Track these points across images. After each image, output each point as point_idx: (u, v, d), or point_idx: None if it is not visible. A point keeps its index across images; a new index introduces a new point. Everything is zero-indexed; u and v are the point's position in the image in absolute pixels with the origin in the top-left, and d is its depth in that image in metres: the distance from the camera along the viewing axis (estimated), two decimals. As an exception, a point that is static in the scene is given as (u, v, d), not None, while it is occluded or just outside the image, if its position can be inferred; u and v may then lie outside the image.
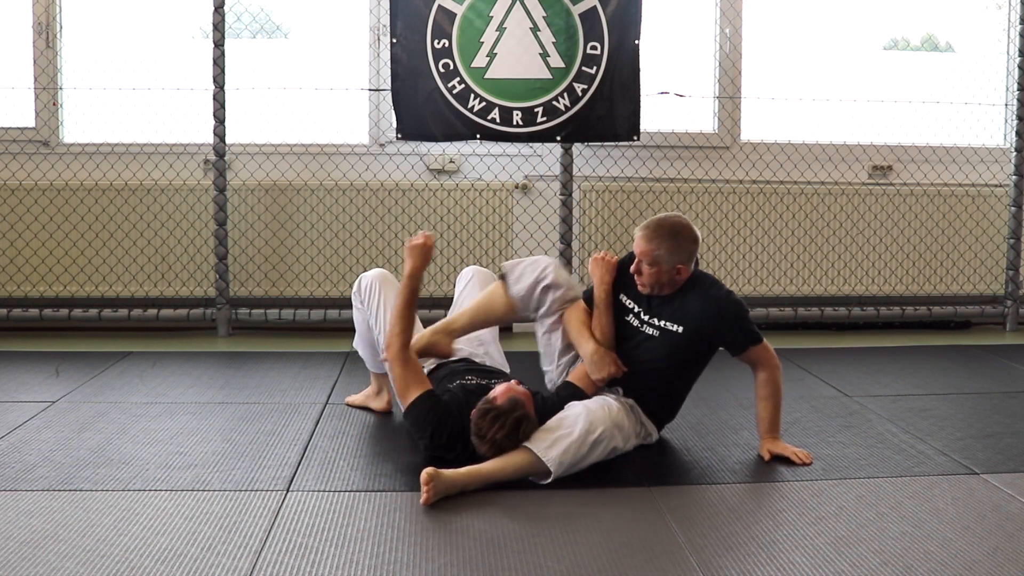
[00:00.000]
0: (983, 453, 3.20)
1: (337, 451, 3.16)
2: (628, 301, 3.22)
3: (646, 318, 3.16)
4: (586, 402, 3.01)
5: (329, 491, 2.81)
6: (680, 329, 3.08)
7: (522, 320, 3.39)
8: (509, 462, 2.83)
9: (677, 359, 3.12)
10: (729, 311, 3.09)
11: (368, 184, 5.28)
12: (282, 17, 5.54)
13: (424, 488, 2.69)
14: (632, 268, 3.13)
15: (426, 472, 2.71)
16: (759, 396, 3.15)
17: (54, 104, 5.25)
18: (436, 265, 5.31)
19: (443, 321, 3.38)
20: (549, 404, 3.05)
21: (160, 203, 5.21)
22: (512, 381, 3.03)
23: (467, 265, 5.22)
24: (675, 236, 3.07)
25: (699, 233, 3.16)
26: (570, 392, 3.12)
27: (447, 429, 2.95)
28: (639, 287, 3.15)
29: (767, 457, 3.08)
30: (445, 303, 5.13)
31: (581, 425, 2.88)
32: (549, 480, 2.82)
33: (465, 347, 3.41)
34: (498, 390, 2.94)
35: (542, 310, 3.27)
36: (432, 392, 3.02)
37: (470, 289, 3.55)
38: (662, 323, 3.11)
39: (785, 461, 3.06)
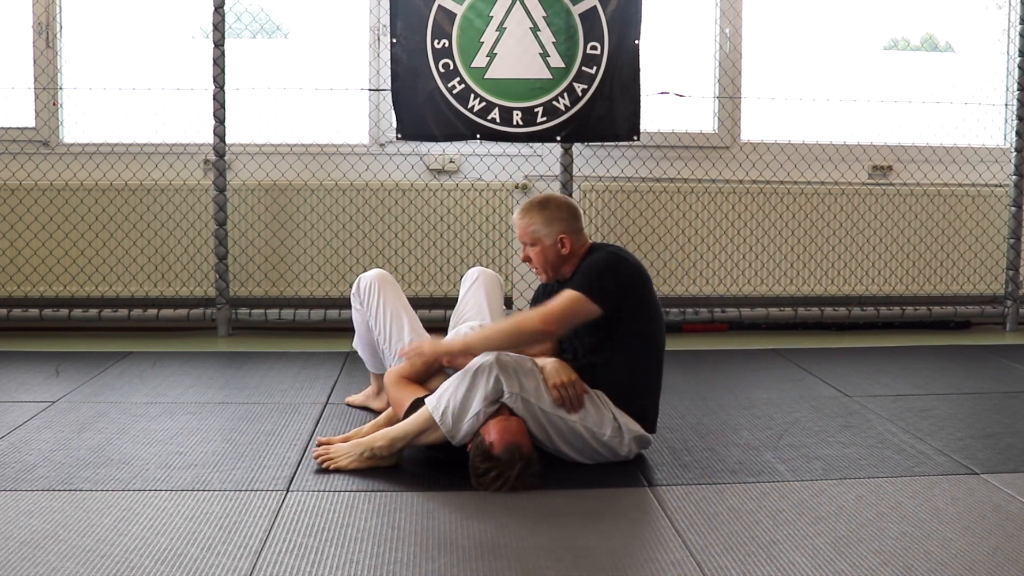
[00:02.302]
0: (983, 453, 3.20)
1: (337, 451, 3.16)
2: None
3: None
4: None
5: (329, 491, 2.80)
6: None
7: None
8: (413, 420, 2.91)
9: (593, 329, 2.96)
10: (593, 263, 3.00)
11: (368, 184, 5.28)
12: (282, 17, 5.54)
13: (320, 458, 2.95)
14: (521, 257, 3.11)
15: (322, 440, 3.02)
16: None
17: (54, 104, 5.25)
18: (436, 265, 5.31)
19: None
20: None
21: (160, 203, 5.21)
22: (505, 411, 2.88)
23: (466, 265, 5.24)
24: (544, 206, 3.06)
25: (576, 203, 3.11)
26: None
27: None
28: (539, 277, 3.13)
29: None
30: (445, 303, 5.14)
31: (463, 371, 2.88)
32: (445, 431, 2.83)
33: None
34: (493, 431, 2.82)
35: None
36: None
37: (475, 291, 3.53)
38: None
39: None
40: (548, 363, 2.96)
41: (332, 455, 2.97)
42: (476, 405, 2.82)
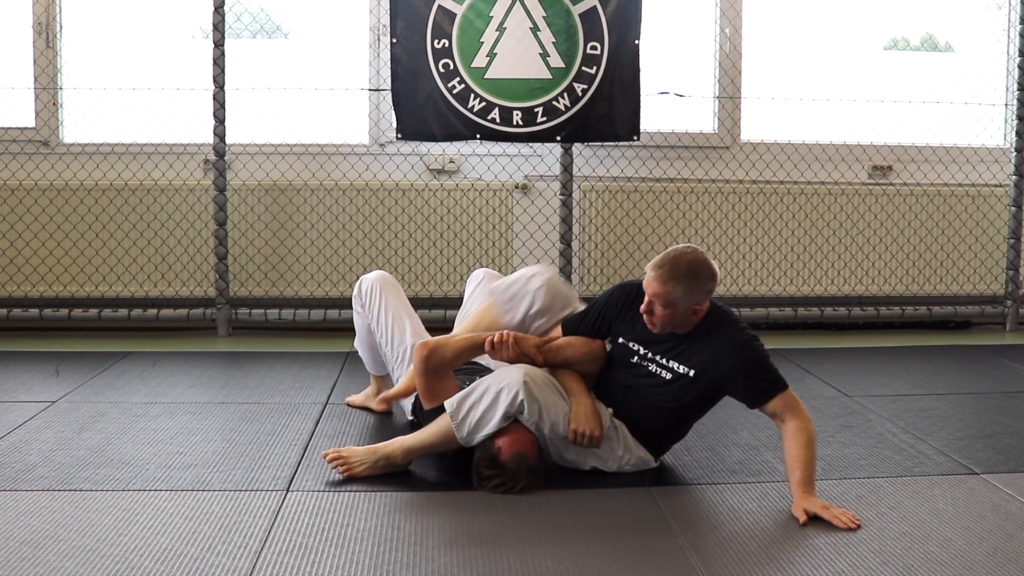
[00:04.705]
0: (983, 453, 3.20)
1: (337, 451, 3.16)
2: (631, 344, 2.97)
3: (655, 357, 2.93)
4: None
5: (329, 491, 2.81)
6: (691, 372, 2.86)
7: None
8: (431, 432, 2.90)
9: (681, 402, 2.90)
10: (747, 358, 2.82)
11: (368, 184, 5.28)
12: (282, 17, 5.54)
13: (334, 464, 2.90)
14: (642, 308, 2.85)
15: (331, 451, 2.94)
16: (790, 446, 2.73)
17: (54, 104, 5.25)
18: (436, 265, 5.31)
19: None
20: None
21: (160, 203, 5.21)
22: (517, 424, 2.86)
23: (467, 265, 5.25)
24: (693, 277, 2.79)
25: (716, 268, 2.86)
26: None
27: None
28: (649, 326, 2.89)
29: (802, 518, 2.58)
30: (445, 303, 5.15)
31: (491, 381, 2.84)
32: (460, 439, 2.83)
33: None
34: (503, 437, 2.81)
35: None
36: None
37: (480, 292, 3.52)
38: (672, 364, 2.89)
39: (824, 522, 2.58)
40: (583, 405, 2.89)
41: (347, 461, 2.91)
42: (494, 423, 2.80)
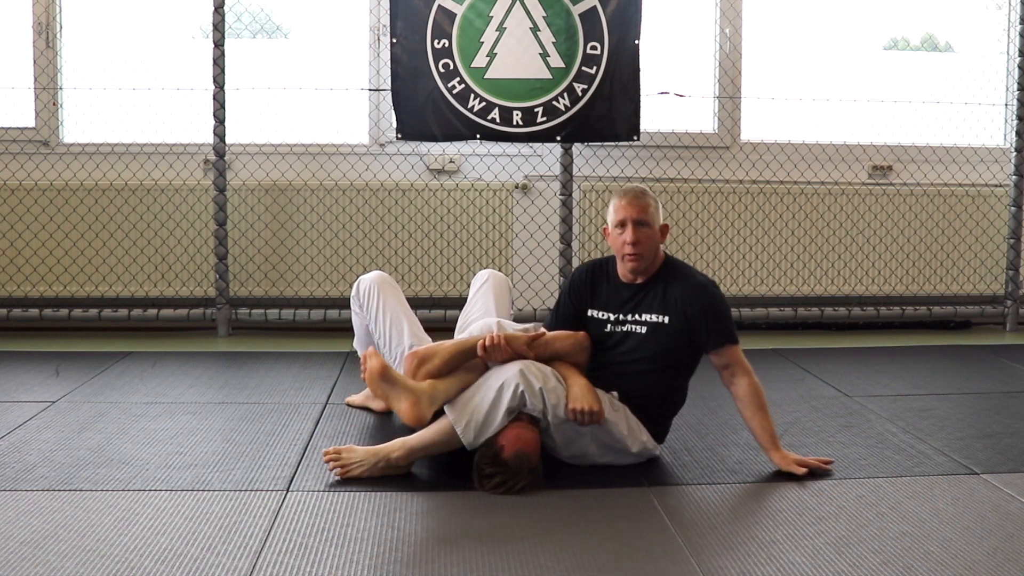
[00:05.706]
0: (983, 453, 3.20)
1: (337, 451, 3.15)
2: (598, 313, 3.13)
3: (627, 317, 3.07)
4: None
5: (329, 491, 2.81)
6: (666, 319, 3.01)
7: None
8: (434, 431, 2.90)
9: (665, 354, 3.02)
10: (714, 300, 3.04)
11: (368, 184, 5.28)
12: (282, 17, 5.54)
13: (331, 465, 2.89)
14: (629, 240, 2.99)
15: (331, 450, 2.94)
16: (749, 406, 2.99)
17: (54, 104, 5.25)
18: (436, 265, 5.31)
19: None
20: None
21: (160, 203, 5.21)
22: (524, 418, 2.88)
23: (467, 265, 5.25)
24: (653, 194, 3.11)
25: None
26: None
27: None
28: (634, 264, 3.03)
29: (784, 467, 2.94)
30: (445, 303, 5.15)
31: (491, 382, 2.87)
32: (467, 443, 2.83)
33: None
34: (506, 436, 2.83)
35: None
36: None
37: (483, 292, 3.52)
38: (645, 316, 3.04)
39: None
40: (577, 384, 2.94)
41: (345, 463, 2.90)
42: (499, 420, 2.82)
